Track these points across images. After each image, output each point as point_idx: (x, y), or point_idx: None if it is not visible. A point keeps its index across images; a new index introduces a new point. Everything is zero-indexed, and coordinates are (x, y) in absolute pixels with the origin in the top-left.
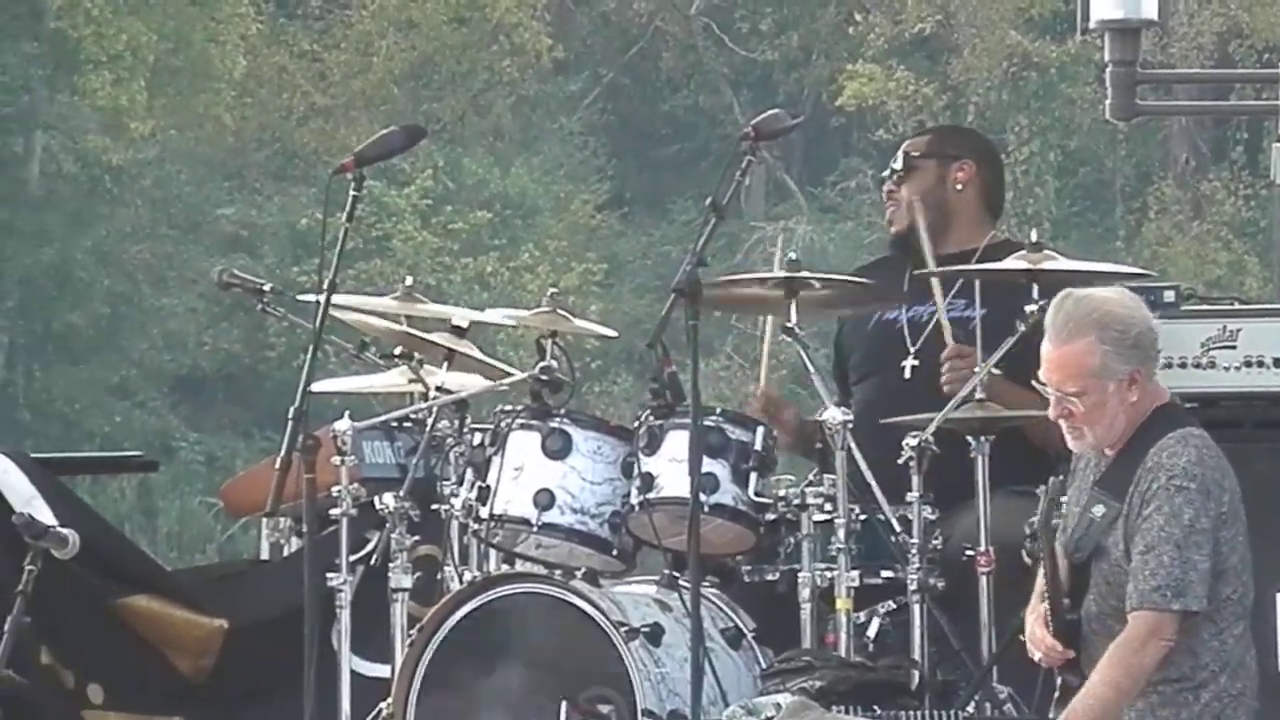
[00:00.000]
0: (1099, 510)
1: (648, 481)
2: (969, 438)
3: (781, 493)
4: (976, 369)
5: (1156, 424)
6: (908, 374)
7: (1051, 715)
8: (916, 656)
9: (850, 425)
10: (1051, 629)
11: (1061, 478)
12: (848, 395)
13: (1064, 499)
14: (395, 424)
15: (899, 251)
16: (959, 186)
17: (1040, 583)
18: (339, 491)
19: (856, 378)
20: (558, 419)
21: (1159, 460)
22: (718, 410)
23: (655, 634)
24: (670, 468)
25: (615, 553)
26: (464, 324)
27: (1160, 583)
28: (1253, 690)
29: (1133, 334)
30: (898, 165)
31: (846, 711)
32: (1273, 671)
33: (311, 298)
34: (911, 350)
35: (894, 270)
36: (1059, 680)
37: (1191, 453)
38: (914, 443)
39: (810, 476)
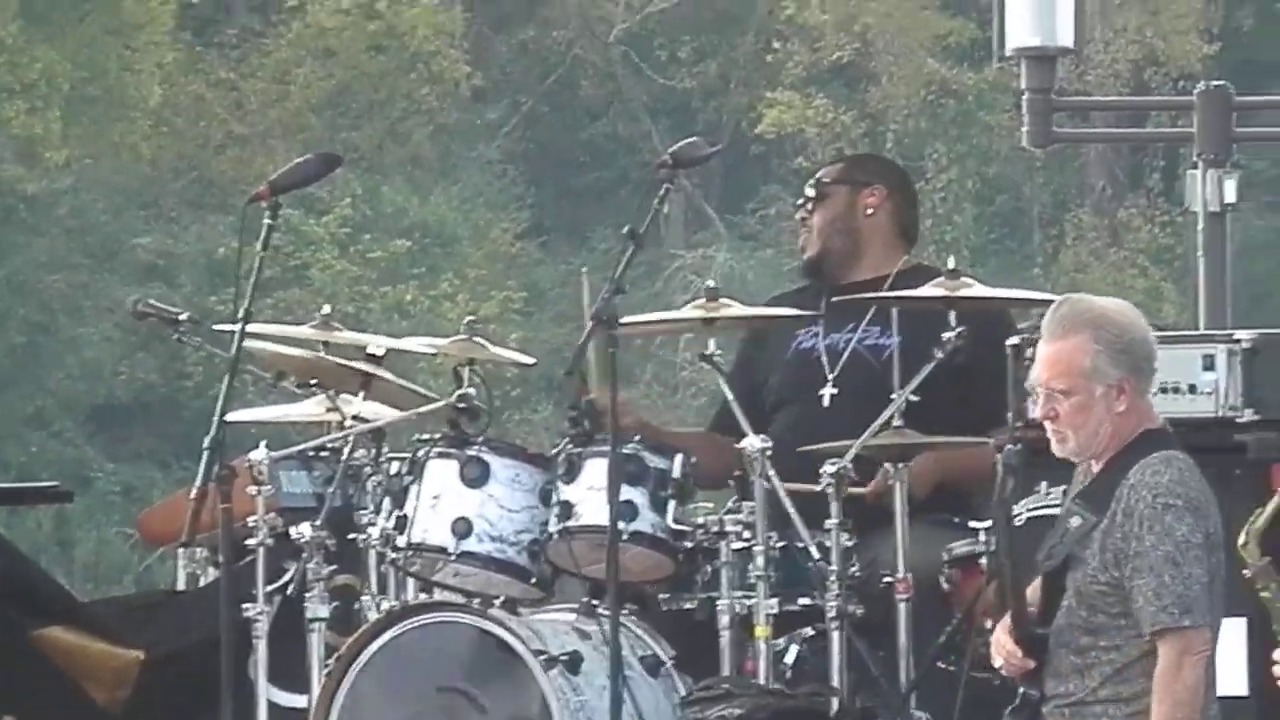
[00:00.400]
0: (1075, 521)
1: (566, 509)
2: (887, 465)
3: (700, 520)
4: (894, 396)
5: (1143, 444)
6: (826, 402)
7: None
8: (835, 683)
9: (769, 453)
10: (1014, 637)
11: (1016, 446)
12: (759, 420)
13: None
14: (312, 453)
15: (812, 277)
16: (869, 211)
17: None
18: (255, 521)
19: (773, 405)
20: (476, 447)
21: (1142, 478)
22: (636, 438)
23: (574, 662)
24: (589, 495)
25: (534, 581)
26: (379, 352)
27: (1167, 602)
28: None
29: (1126, 339)
30: (810, 193)
31: None
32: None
33: (228, 327)
34: (830, 378)
35: (812, 297)
36: (1020, 691)
37: (1175, 473)
38: (832, 470)
39: (729, 504)
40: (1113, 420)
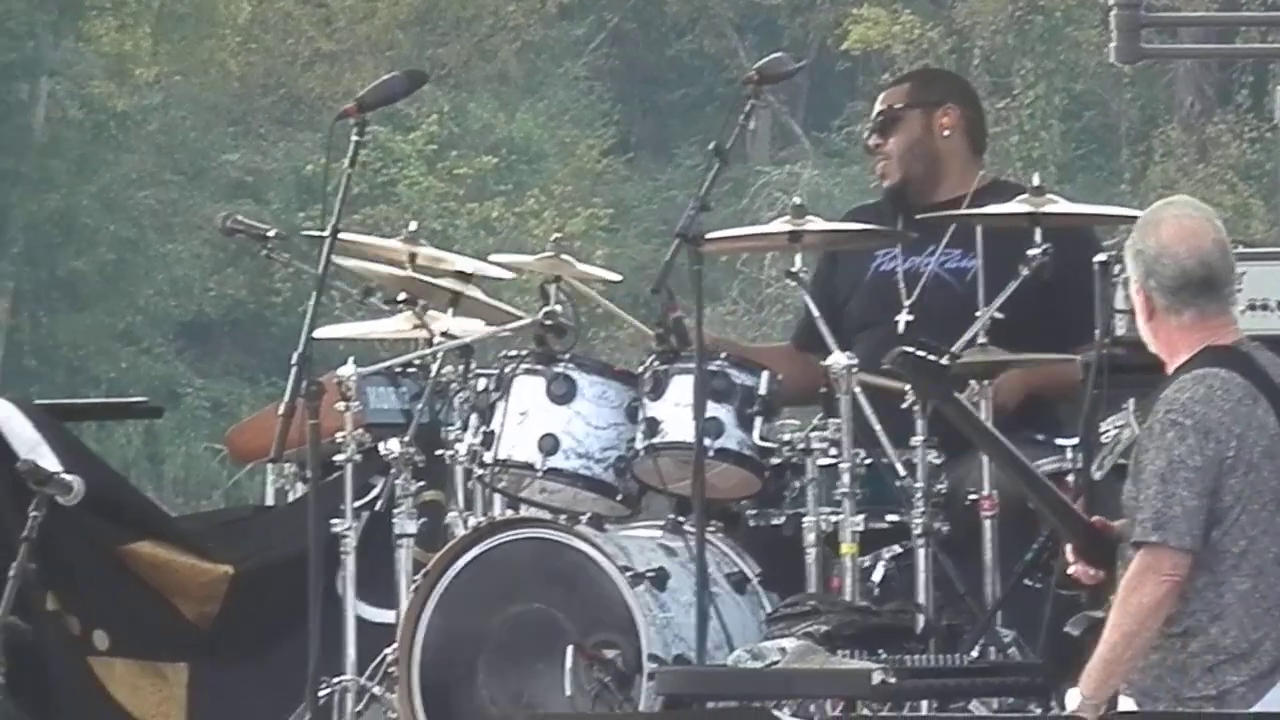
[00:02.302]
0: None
1: (652, 426)
2: (973, 382)
3: (786, 437)
4: (978, 314)
5: (1197, 360)
6: (901, 328)
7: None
8: (921, 601)
9: (855, 370)
10: (1076, 550)
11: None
12: (842, 337)
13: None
14: (399, 369)
15: (895, 205)
16: (946, 133)
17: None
18: (343, 437)
19: (855, 327)
20: (562, 364)
21: (1167, 393)
22: (722, 355)
23: (660, 579)
24: (675, 412)
25: (620, 497)
26: (469, 269)
27: (1145, 516)
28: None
29: (1137, 247)
30: (880, 118)
31: (852, 655)
32: None
33: (317, 234)
34: (906, 304)
35: (889, 213)
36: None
37: (1200, 390)
38: None
39: (815, 421)
40: (1148, 327)
